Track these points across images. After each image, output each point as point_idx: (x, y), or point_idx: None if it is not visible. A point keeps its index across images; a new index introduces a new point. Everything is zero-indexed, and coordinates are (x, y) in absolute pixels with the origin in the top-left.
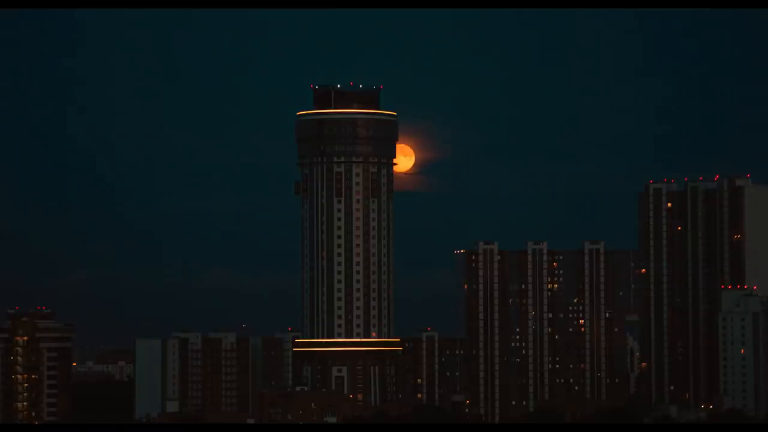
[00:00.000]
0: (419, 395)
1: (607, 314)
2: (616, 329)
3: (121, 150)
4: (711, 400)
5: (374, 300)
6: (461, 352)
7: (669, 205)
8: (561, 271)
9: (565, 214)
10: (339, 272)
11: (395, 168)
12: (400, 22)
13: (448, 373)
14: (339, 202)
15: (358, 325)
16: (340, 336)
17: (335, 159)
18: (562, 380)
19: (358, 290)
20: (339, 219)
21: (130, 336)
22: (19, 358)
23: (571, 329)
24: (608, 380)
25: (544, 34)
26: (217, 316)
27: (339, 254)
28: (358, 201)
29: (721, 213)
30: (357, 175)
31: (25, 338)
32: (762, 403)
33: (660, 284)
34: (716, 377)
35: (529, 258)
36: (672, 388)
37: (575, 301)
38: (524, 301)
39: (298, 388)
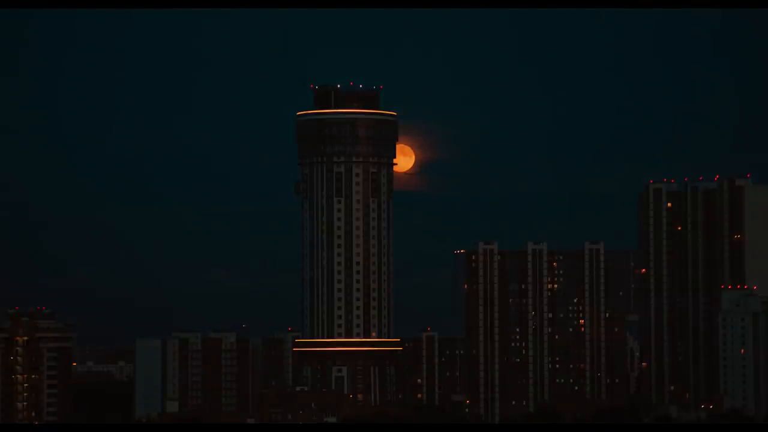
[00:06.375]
0: (419, 395)
1: (607, 314)
2: (616, 329)
3: (120, 150)
4: (711, 400)
5: (374, 300)
6: (461, 352)
7: (669, 205)
8: (561, 271)
9: (565, 214)
10: (339, 272)
11: (395, 168)
12: (400, 22)
13: (448, 373)
14: (339, 202)
15: (358, 325)
16: (340, 336)
17: (335, 159)
18: (562, 380)
19: (358, 290)
20: (339, 219)
21: (130, 336)
22: (19, 358)
23: (571, 329)
24: (608, 380)
25: (545, 34)
26: (217, 316)
27: (339, 254)
28: (358, 201)
29: (721, 213)
30: (357, 175)
31: (25, 338)
32: (762, 403)
33: (660, 284)
34: (716, 377)
35: (529, 258)
36: (672, 388)
37: (575, 301)
38: (524, 301)
39: (298, 388)
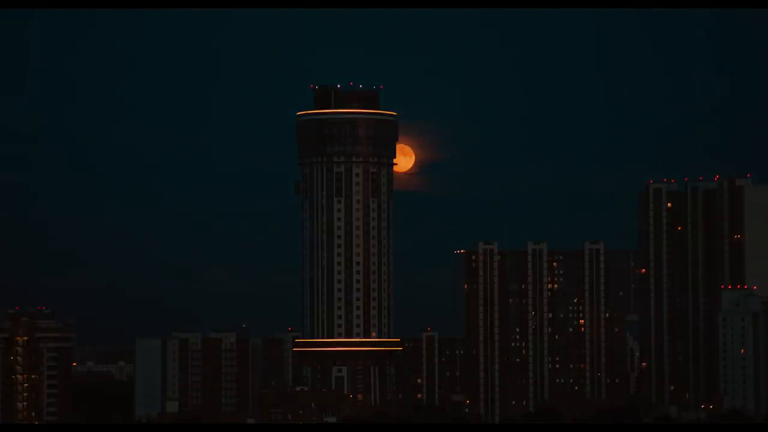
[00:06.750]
0: (419, 395)
1: (607, 314)
2: (616, 329)
3: (121, 150)
4: (711, 400)
5: (374, 300)
6: (461, 352)
7: (669, 205)
8: (561, 271)
9: (565, 214)
10: (339, 272)
11: (395, 168)
12: (400, 22)
13: (448, 373)
14: (339, 202)
15: (358, 325)
16: (340, 336)
17: (335, 159)
18: (562, 380)
19: (358, 290)
20: (339, 219)
21: (130, 336)
22: (19, 358)
23: (571, 329)
24: (608, 380)
25: (544, 34)
26: (217, 316)
27: (339, 254)
28: (358, 201)
29: (721, 213)
30: (357, 175)
31: (25, 338)
32: (762, 403)
33: (660, 284)
34: (716, 377)
35: (529, 258)
36: (672, 388)
37: (575, 301)
38: (524, 301)
39: (298, 388)
